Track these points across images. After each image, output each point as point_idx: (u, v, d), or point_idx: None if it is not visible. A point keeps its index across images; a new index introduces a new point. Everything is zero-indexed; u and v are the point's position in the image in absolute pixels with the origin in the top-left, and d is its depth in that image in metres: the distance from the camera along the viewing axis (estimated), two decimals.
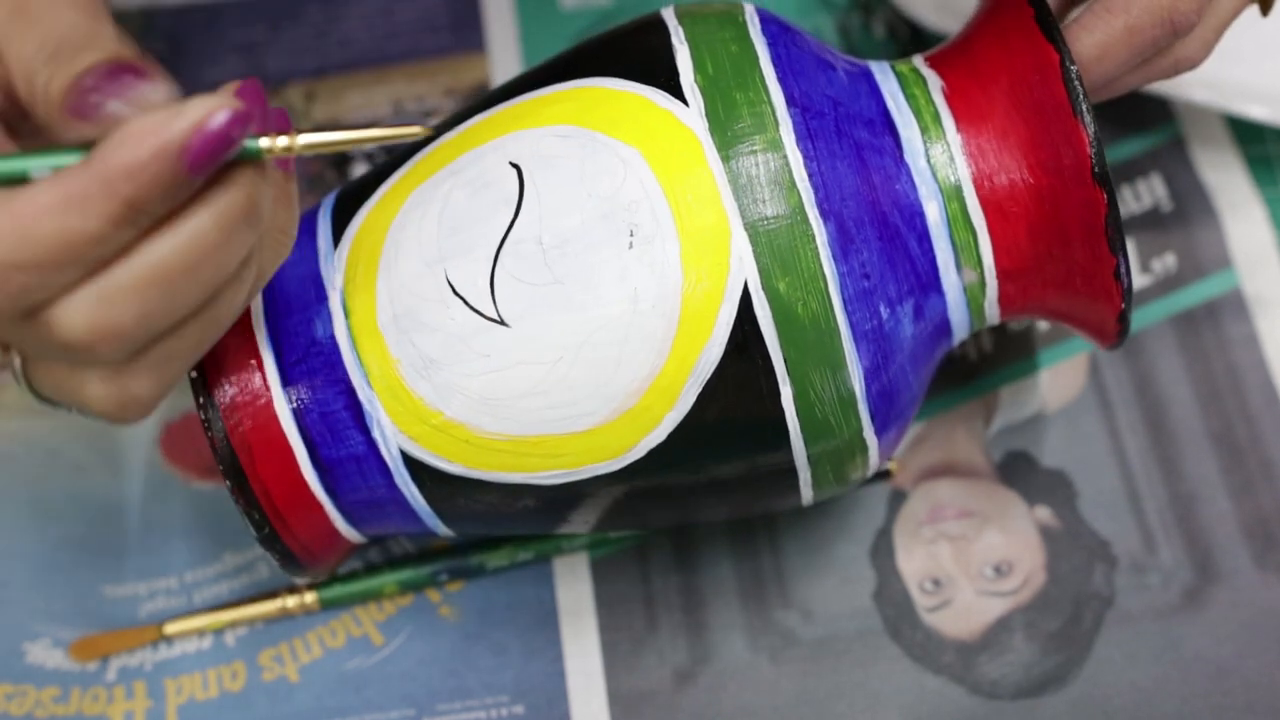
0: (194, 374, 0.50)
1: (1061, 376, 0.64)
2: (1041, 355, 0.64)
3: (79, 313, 0.39)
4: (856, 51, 0.71)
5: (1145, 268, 0.66)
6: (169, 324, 0.41)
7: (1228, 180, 0.68)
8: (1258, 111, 0.65)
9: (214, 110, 0.39)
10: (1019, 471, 0.62)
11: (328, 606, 0.60)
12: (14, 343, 0.42)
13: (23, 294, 0.39)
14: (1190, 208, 0.67)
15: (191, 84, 0.71)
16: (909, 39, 0.72)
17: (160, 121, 0.39)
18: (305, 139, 0.42)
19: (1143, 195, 0.68)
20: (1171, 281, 0.66)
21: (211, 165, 0.39)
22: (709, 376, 0.48)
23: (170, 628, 0.59)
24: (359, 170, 0.69)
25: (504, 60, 0.72)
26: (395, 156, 0.52)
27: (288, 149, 0.42)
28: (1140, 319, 0.65)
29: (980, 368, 0.64)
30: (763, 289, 0.47)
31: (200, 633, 0.60)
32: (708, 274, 0.47)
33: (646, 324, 0.47)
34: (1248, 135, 0.68)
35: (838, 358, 0.48)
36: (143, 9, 0.74)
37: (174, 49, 0.72)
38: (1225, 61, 0.60)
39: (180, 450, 0.63)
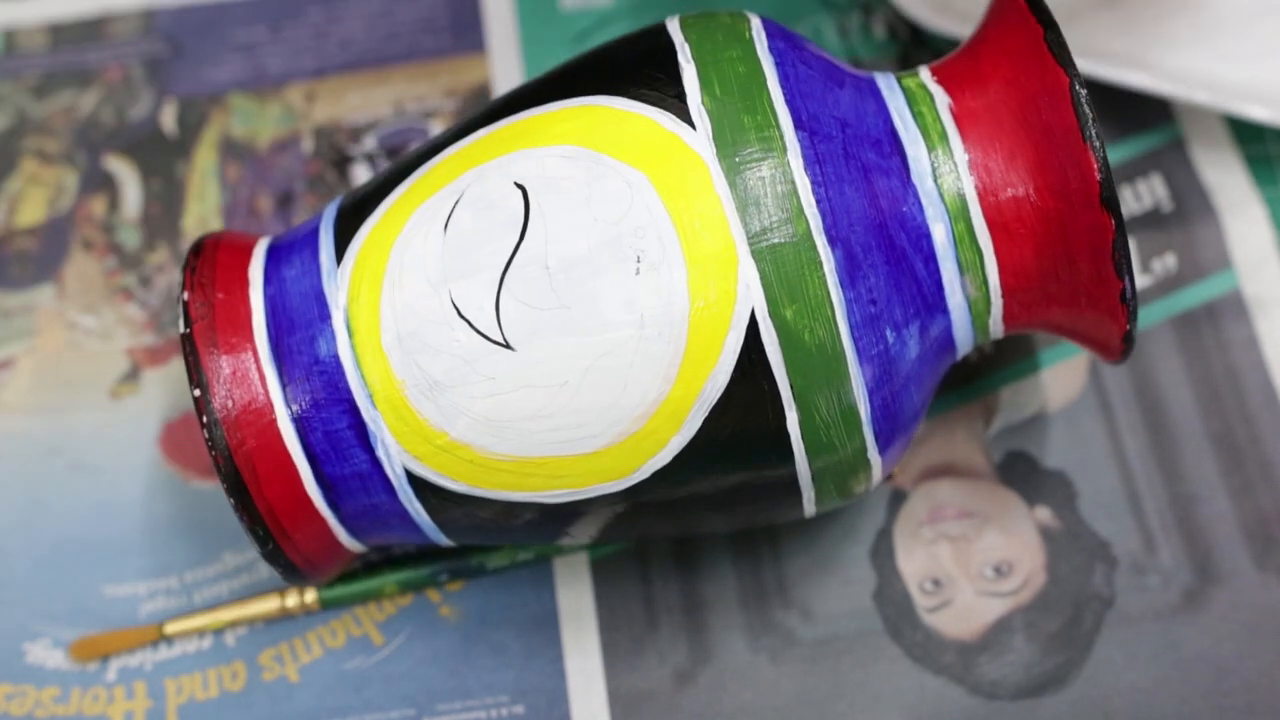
0: (197, 392, 0.50)
1: (1061, 377, 0.64)
2: (1041, 356, 0.64)
3: None
4: (856, 52, 0.71)
5: (1145, 268, 0.66)
6: None
7: (1228, 180, 0.67)
8: (1258, 111, 0.64)
9: None
10: (1019, 472, 0.62)
11: (328, 606, 0.60)
12: None
13: None
14: (1190, 208, 0.67)
15: (191, 84, 0.71)
16: (909, 39, 0.71)
17: None
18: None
19: (1143, 195, 0.67)
20: (1171, 282, 0.65)
21: None
22: (715, 401, 0.47)
23: (170, 628, 0.59)
24: (359, 171, 0.68)
25: (504, 61, 0.72)
26: (397, 169, 0.52)
27: None
28: (1140, 320, 0.64)
29: (980, 368, 0.64)
30: (770, 316, 0.47)
31: (200, 633, 0.60)
32: (714, 300, 0.47)
33: (653, 349, 0.47)
34: (1248, 135, 0.68)
35: (843, 382, 0.48)
36: (143, 9, 0.73)
37: (174, 49, 0.72)
38: (1225, 61, 0.60)
39: (180, 450, 0.63)
